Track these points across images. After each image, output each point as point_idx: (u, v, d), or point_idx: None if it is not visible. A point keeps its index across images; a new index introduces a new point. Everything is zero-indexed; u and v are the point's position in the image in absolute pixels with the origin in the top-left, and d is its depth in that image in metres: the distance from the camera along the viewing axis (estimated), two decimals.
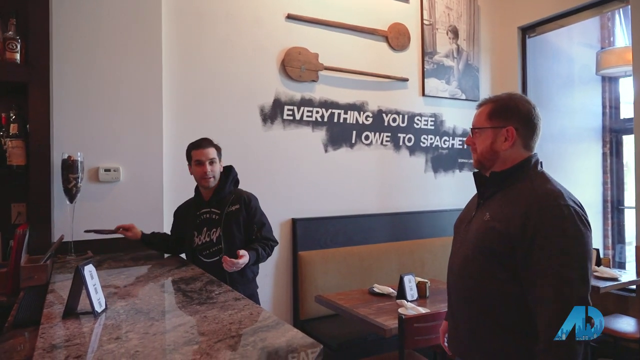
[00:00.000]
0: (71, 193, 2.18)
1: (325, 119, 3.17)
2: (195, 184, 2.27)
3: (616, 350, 2.79)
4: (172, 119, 2.65)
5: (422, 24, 3.60)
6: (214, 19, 2.80)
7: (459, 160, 3.82)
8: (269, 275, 2.96)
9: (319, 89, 3.15)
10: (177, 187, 2.58)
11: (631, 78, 3.13)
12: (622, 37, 4.26)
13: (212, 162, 2.15)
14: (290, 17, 3.03)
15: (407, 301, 2.25)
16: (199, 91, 2.76)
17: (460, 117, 3.78)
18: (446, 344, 1.49)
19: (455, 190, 3.76)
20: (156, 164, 2.54)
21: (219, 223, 2.15)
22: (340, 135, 3.24)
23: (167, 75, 2.61)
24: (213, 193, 2.19)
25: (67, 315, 1.27)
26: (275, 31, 2.99)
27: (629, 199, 4.18)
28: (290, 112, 3.04)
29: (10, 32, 2.14)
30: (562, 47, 4.19)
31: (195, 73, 2.74)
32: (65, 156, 2.17)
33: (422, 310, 2.10)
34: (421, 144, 3.61)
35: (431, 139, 3.66)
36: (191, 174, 2.22)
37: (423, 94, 3.60)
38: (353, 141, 3.29)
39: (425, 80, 3.60)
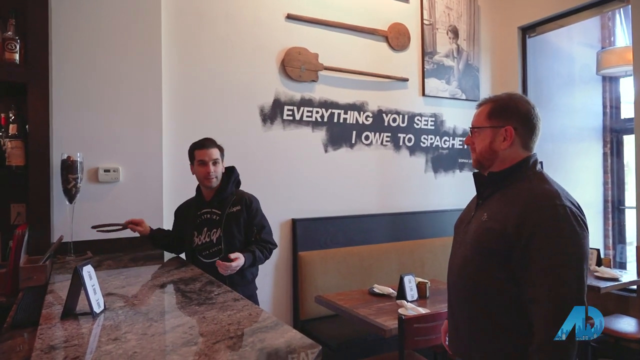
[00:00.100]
0: (71, 193, 2.17)
1: (325, 119, 3.17)
2: (197, 183, 2.26)
3: (617, 350, 2.79)
4: (172, 119, 2.65)
5: (422, 23, 3.60)
6: (213, 19, 2.80)
7: (459, 161, 3.82)
8: (269, 276, 2.96)
9: (318, 89, 3.14)
10: (176, 188, 2.58)
11: (632, 78, 3.13)
12: (622, 36, 4.25)
13: (215, 163, 2.15)
14: (290, 17, 3.03)
15: (407, 301, 2.24)
16: (199, 91, 2.75)
17: (460, 117, 3.78)
18: (447, 343, 1.48)
19: (456, 191, 3.75)
20: (156, 164, 2.54)
21: (219, 224, 2.15)
22: (340, 135, 3.23)
23: (166, 75, 2.61)
24: (214, 193, 2.19)
25: (66, 316, 1.26)
26: (275, 31, 2.99)
27: (630, 199, 4.17)
28: (290, 112, 3.04)
29: (9, 32, 2.14)
30: (563, 46, 4.18)
31: (195, 73, 2.74)
32: (65, 156, 2.17)
33: (422, 310, 2.10)
34: (421, 144, 3.61)
35: (431, 139, 3.65)
36: (193, 173, 2.21)
37: (423, 94, 3.60)
38: (353, 141, 3.29)
39: (426, 80, 3.60)
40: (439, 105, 3.70)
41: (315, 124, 3.14)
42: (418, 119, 3.58)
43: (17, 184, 2.28)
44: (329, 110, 3.18)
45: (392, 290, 2.43)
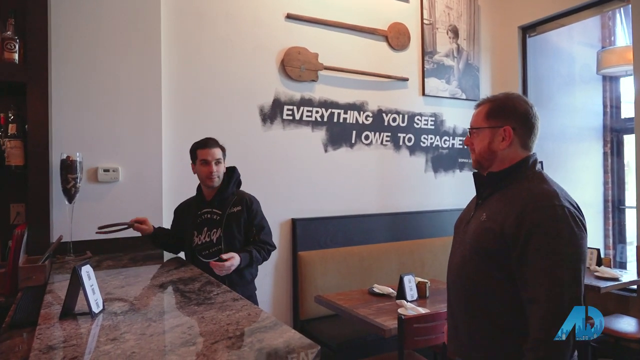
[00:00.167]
0: (70, 193, 2.17)
1: (325, 119, 3.17)
2: (196, 183, 2.26)
3: (617, 350, 2.78)
4: (172, 119, 2.64)
5: (422, 23, 3.60)
6: (213, 19, 2.80)
7: (459, 160, 3.81)
8: (269, 276, 2.95)
9: (318, 88, 3.14)
10: (176, 187, 2.57)
11: (632, 77, 3.12)
12: (622, 36, 4.24)
13: (217, 163, 2.15)
14: (289, 17, 3.03)
15: (407, 301, 2.24)
16: (199, 91, 2.75)
17: (460, 116, 3.78)
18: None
19: (456, 190, 3.75)
20: (155, 164, 2.53)
21: (219, 224, 2.15)
22: (340, 135, 3.23)
23: (166, 75, 2.61)
24: (215, 193, 2.19)
25: (65, 316, 1.26)
26: (274, 31, 2.99)
27: (630, 198, 4.17)
28: (290, 112, 3.04)
29: (8, 32, 2.13)
30: (563, 46, 4.18)
31: (195, 73, 2.74)
32: (64, 156, 2.17)
33: (422, 310, 2.10)
34: (421, 143, 3.61)
35: (431, 138, 3.65)
36: (194, 172, 2.21)
37: (423, 94, 3.59)
38: (353, 141, 3.29)
39: (425, 79, 3.59)
40: (439, 104, 3.70)
41: (315, 124, 3.14)
42: (418, 119, 3.58)
43: (17, 184, 2.28)
44: (329, 110, 3.18)
45: (391, 290, 2.42)
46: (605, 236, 4.31)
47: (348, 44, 3.25)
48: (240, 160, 2.49)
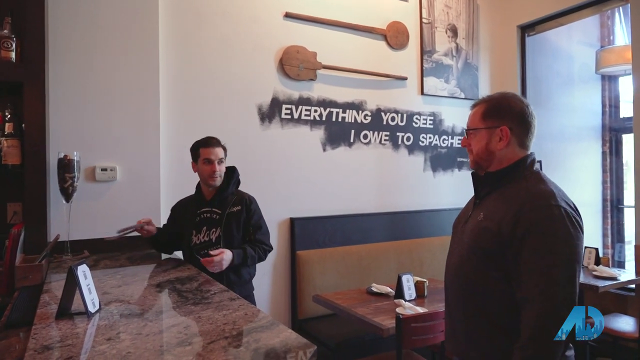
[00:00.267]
0: (67, 192, 2.16)
1: (324, 118, 3.16)
2: (195, 182, 2.26)
3: (615, 349, 2.78)
4: (169, 118, 2.64)
5: (421, 22, 3.59)
6: (211, 18, 2.79)
7: (458, 159, 3.81)
8: (267, 275, 2.95)
9: (317, 87, 3.13)
10: (174, 187, 2.57)
11: (631, 77, 3.12)
12: (621, 35, 4.24)
13: (220, 162, 2.15)
14: (288, 16, 3.02)
15: (405, 301, 2.24)
16: (197, 90, 2.74)
17: (459, 116, 3.77)
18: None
19: (454, 190, 3.75)
20: (153, 163, 2.53)
21: (219, 223, 2.14)
22: (338, 134, 3.22)
23: (164, 74, 2.60)
24: (216, 193, 2.18)
25: (61, 315, 1.26)
26: (273, 30, 2.98)
27: (629, 197, 4.17)
28: (289, 111, 3.03)
29: (5, 31, 2.13)
30: (562, 45, 4.17)
31: (193, 72, 2.73)
32: (62, 155, 2.16)
33: (420, 309, 2.09)
34: (420, 143, 3.60)
35: (430, 138, 3.65)
36: (195, 171, 2.20)
37: (422, 93, 3.59)
38: (351, 140, 3.28)
39: (424, 79, 3.59)
40: (438, 104, 3.69)
41: (314, 123, 3.13)
42: (417, 118, 3.57)
43: (14, 183, 2.28)
44: (328, 109, 3.18)
45: (390, 290, 2.42)
46: (604, 235, 4.31)
47: (347, 43, 3.25)
48: (238, 159, 2.48)
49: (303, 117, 3.08)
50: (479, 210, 1.32)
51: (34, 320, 1.23)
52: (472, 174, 1.40)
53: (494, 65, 3.99)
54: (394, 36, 3.44)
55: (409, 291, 2.32)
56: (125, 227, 2.07)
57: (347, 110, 3.25)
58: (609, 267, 2.99)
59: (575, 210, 1.21)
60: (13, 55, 2.13)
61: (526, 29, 3.84)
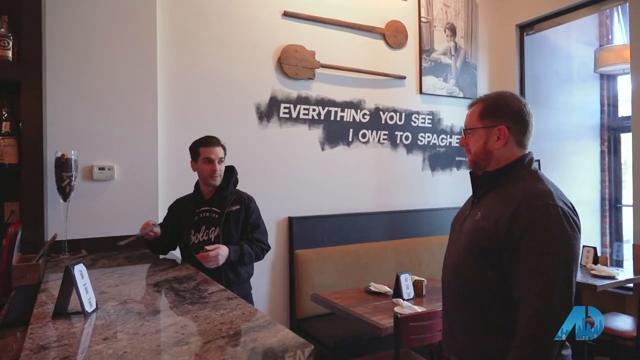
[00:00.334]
0: (65, 191, 2.16)
1: (322, 117, 3.16)
2: (193, 181, 2.25)
3: (613, 348, 2.78)
4: (167, 117, 2.63)
5: (420, 21, 3.59)
6: (209, 17, 2.78)
7: (457, 159, 3.81)
8: (265, 274, 2.95)
9: (315, 86, 3.13)
10: (172, 186, 2.56)
11: (629, 76, 3.12)
12: (620, 34, 4.24)
13: (220, 161, 2.14)
14: (286, 15, 3.01)
15: (404, 300, 2.24)
16: (195, 89, 2.74)
17: (457, 115, 3.77)
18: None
19: (453, 189, 3.75)
20: (151, 163, 2.52)
21: (218, 222, 2.14)
22: (337, 133, 3.22)
23: (162, 73, 2.59)
24: (215, 192, 2.18)
25: (57, 315, 1.25)
26: (271, 29, 2.97)
27: (627, 197, 4.17)
28: (287, 110, 3.03)
29: (2, 30, 2.12)
30: (560, 44, 4.17)
31: (191, 71, 2.72)
32: (59, 154, 2.15)
33: (418, 309, 2.09)
34: (418, 142, 3.60)
35: (428, 137, 3.64)
36: (194, 170, 2.19)
37: (420, 92, 3.59)
38: (350, 139, 3.28)
39: (423, 78, 3.58)
40: (437, 103, 3.69)
41: (312, 122, 3.13)
42: (415, 117, 3.57)
43: (11, 182, 2.27)
44: (326, 108, 3.17)
45: (388, 289, 2.42)
46: (602, 234, 4.31)
47: (345, 41, 3.24)
48: (236, 158, 2.48)
49: (301, 116, 3.08)
50: (476, 209, 1.32)
51: (31, 320, 1.23)
52: (470, 173, 1.40)
53: (493, 64, 3.98)
54: (393, 35, 3.43)
55: (407, 290, 2.32)
56: (135, 234, 2.05)
57: (346, 110, 3.25)
58: (607, 266, 3.00)
59: (573, 209, 1.21)
60: (10, 54, 2.12)
61: (525, 28, 3.84)
